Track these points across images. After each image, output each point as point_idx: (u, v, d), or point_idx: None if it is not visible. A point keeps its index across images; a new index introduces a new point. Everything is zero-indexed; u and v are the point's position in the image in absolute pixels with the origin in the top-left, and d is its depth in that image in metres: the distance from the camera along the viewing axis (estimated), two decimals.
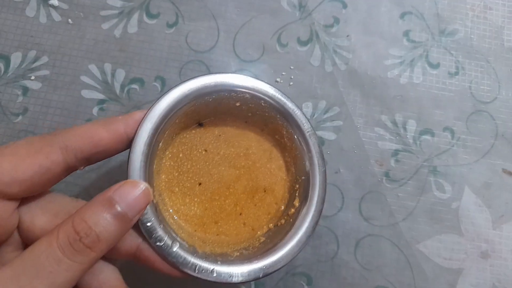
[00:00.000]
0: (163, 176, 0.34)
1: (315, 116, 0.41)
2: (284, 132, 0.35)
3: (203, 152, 0.35)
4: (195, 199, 0.35)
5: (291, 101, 0.34)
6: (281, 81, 0.41)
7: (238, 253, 0.32)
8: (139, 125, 0.30)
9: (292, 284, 0.38)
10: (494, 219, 0.40)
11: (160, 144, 0.32)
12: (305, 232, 0.32)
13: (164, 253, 0.29)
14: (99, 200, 0.24)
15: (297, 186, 0.34)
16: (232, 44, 0.42)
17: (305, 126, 0.34)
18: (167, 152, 0.35)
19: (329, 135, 0.41)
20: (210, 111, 0.35)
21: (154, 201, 0.31)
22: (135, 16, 0.42)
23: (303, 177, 0.34)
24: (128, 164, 0.29)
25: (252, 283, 0.38)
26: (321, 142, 0.40)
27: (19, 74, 0.40)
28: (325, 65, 0.42)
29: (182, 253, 0.29)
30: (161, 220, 0.30)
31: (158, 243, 0.29)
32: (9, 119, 0.39)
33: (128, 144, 0.29)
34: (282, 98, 0.34)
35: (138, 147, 0.30)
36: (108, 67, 0.41)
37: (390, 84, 0.42)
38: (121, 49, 0.41)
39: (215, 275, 0.29)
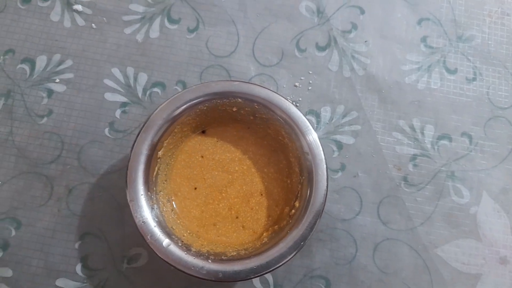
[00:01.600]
0: (171, 182, 0.36)
1: (333, 120, 0.41)
2: (283, 132, 0.35)
3: (200, 158, 0.36)
4: (193, 203, 0.36)
5: (285, 99, 0.34)
6: (300, 86, 0.42)
7: (234, 253, 0.33)
8: (136, 137, 0.32)
9: (310, 287, 0.38)
10: None
11: (160, 152, 0.34)
12: (301, 235, 0.32)
13: (155, 248, 0.31)
14: None
15: (299, 186, 0.35)
16: (252, 49, 0.43)
17: (302, 124, 0.34)
18: (172, 160, 0.36)
19: (347, 139, 0.41)
20: (213, 119, 0.36)
21: (152, 203, 0.32)
22: (157, 21, 0.43)
23: (303, 177, 0.34)
24: (127, 172, 0.32)
25: (272, 284, 0.38)
26: (339, 146, 0.41)
27: (44, 77, 0.41)
28: (343, 70, 0.43)
29: (174, 250, 0.31)
30: (160, 219, 0.32)
31: (150, 238, 0.31)
32: (34, 121, 0.40)
33: None
34: (275, 98, 0.34)
35: (136, 156, 0.32)
36: (130, 71, 0.41)
37: (408, 89, 0.42)
38: (143, 53, 0.42)
39: (204, 272, 0.30)
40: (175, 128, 0.34)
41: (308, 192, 0.33)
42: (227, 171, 0.37)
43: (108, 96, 0.41)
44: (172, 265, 0.31)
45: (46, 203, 0.38)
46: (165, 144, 0.34)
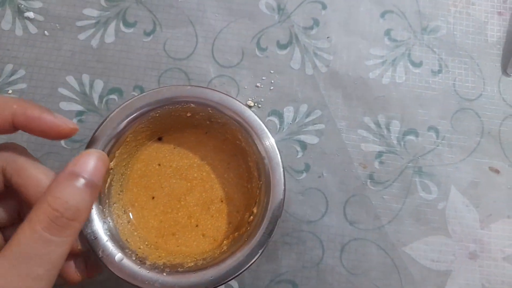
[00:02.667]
0: (127, 193, 0.35)
1: (296, 120, 0.40)
2: (240, 137, 0.34)
3: (157, 166, 0.36)
4: (151, 213, 0.35)
5: (240, 103, 0.33)
6: (262, 86, 0.41)
7: (192, 264, 0.32)
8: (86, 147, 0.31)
9: None
10: (482, 218, 0.39)
11: (112, 163, 0.32)
12: (258, 242, 0.31)
13: (108, 263, 0.29)
14: (64, 176, 0.25)
15: (258, 192, 0.34)
16: (211, 50, 0.42)
17: (257, 127, 0.33)
18: (128, 170, 0.35)
19: (311, 139, 0.40)
20: (168, 125, 0.35)
21: (104, 217, 0.31)
22: (112, 26, 0.41)
23: (261, 182, 0.33)
24: None
25: None
26: (303, 146, 0.40)
27: None
28: (306, 68, 0.41)
29: (127, 264, 0.30)
30: (113, 232, 0.31)
31: (102, 253, 0.29)
32: None
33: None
34: (229, 102, 0.33)
35: None
36: (86, 78, 0.40)
37: (372, 84, 0.41)
38: (99, 59, 0.41)
39: (158, 285, 0.29)
40: (127, 137, 0.33)
41: (266, 197, 0.32)
42: (185, 178, 0.36)
43: (64, 105, 0.40)
44: (125, 280, 0.30)
45: None
46: (117, 154, 0.33)
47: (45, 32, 0.41)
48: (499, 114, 0.41)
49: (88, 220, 0.30)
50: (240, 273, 0.30)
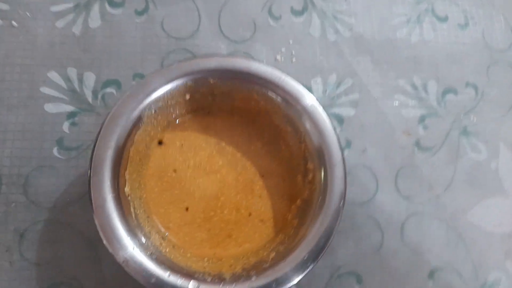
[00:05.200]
0: (154, 218, 0.28)
1: (327, 92, 0.36)
2: (256, 96, 0.28)
3: (174, 174, 0.29)
4: (193, 225, 0.29)
5: (243, 58, 0.29)
6: (282, 59, 0.36)
7: (273, 253, 0.27)
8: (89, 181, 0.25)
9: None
10: None
11: (126, 189, 0.26)
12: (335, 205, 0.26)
13: None
14: None
15: (303, 146, 0.28)
16: (218, 24, 0.36)
17: (272, 76, 0.28)
18: (143, 192, 0.28)
19: (347, 112, 0.35)
20: (166, 121, 0.29)
21: (150, 247, 0.25)
22: (95, 8, 0.35)
23: (303, 134, 0.28)
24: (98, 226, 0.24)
25: None
26: (340, 120, 0.35)
27: None
28: (327, 34, 0.37)
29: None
30: (167, 264, 0.25)
31: None
32: None
33: None
34: (230, 63, 0.28)
35: (102, 200, 0.24)
36: (72, 72, 0.33)
37: (401, 45, 0.38)
38: (85, 49, 0.34)
39: None
40: (130, 151, 0.26)
41: (316, 153, 0.27)
42: (211, 171, 0.30)
43: (50, 107, 0.32)
44: None
45: None
46: (127, 176, 0.26)
47: (13, 22, 0.33)
48: None
49: (137, 262, 0.24)
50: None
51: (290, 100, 0.27)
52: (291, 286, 0.25)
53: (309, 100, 0.27)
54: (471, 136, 0.37)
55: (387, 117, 0.36)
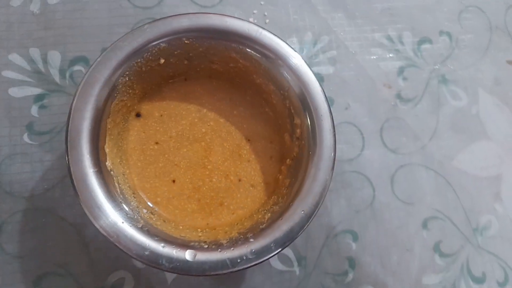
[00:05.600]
0: (140, 193, 0.27)
1: (304, 51, 0.35)
2: (234, 54, 0.27)
3: (155, 146, 0.28)
4: (182, 197, 0.28)
5: (214, 14, 0.27)
6: (255, 21, 0.35)
7: (268, 214, 0.26)
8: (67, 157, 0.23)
9: (338, 247, 0.32)
10: None
11: (108, 163, 0.25)
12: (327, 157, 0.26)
13: (178, 270, 0.23)
14: None
15: (287, 102, 0.28)
16: None
17: (247, 31, 0.27)
18: (125, 167, 0.27)
19: (326, 69, 0.35)
20: (141, 90, 0.28)
21: (141, 221, 0.24)
22: None
23: (286, 89, 0.27)
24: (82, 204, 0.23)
25: (294, 261, 0.31)
26: (320, 78, 0.34)
27: None
28: None
29: (203, 256, 0.23)
30: (160, 236, 0.24)
31: (166, 263, 0.23)
32: None
33: None
34: (202, 19, 0.26)
35: (82, 173, 0.23)
36: (35, 52, 0.31)
37: None
38: (47, 26, 0.31)
39: (252, 256, 0.23)
40: (108, 123, 0.25)
41: (302, 106, 0.27)
42: (195, 140, 0.28)
43: (15, 91, 0.30)
44: (212, 275, 0.23)
45: None
46: (107, 151, 0.25)
47: None
48: (501, 6, 0.39)
49: (127, 237, 0.22)
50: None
51: (269, 54, 0.26)
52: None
53: (289, 52, 0.27)
54: (450, 83, 0.37)
55: (367, 71, 0.35)
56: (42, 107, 0.30)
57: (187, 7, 0.34)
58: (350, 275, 0.32)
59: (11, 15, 0.31)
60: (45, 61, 0.31)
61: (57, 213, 0.29)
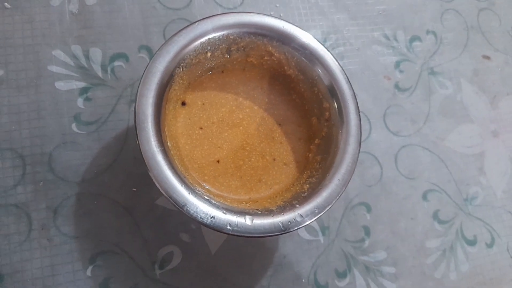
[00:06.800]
0: (191, 173, 0.30)
1: None
2: (270, 48, 0.31)
3: (200, 131, 0.32)
4: (227, 175, 0.31)
5: (256, 13, 0.31)
6: None
7: (305, 188, 0.30)
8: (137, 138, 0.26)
9: (355, 218, 0.36)
10: (490, 100, 0.44)
11: (169, 143, 0.28)
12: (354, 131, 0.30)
13: (240, 231, 0.26)
14: None
15: (316, 90, 0.32)
16: None
17: (283, 29, 0.31)
18: (176, 150, 0.30)
19: None
20: (187, 82, 0.31)
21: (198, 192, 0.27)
22: None
23: (316, 78, 0.31)
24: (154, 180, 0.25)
25: (319, 231, 0.35)
26: None
27: None
28: None
29: (260, 221, 0.26)
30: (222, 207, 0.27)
31: (231, 227, 0.26)
32: None
33: None
34: (246, 18, 0.30)
35: (152, 154, 0.26)
36: (77, 49, 0.33)
37: (371, 1, 0.42)
38: (86, 25, 0.34)
39: (299, 220, 0.27)
40: (165, 109, 0.28)
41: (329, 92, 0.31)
42: (234, 125, 0.32)
43: (61, 85, 0.32)
44: (269, 235, 0.26)
45: (28, 238, 0.29)
46: (167, 133, 0.28)
47: (6, 4, 0.33)
48: (474, 9, 0.46)
49: (195, 206, 0.25)
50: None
51: (301, 48, 0.31)
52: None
53: (317, 45, 0.31)
54: (437, 75, 0.42)
55: (370, 65, 0.40)
56: (87, 99, 0.32)
57: (212, 9, 0.37)
58: (366, 242, 0.36)
59: (51, 14, 0.33)
60: (87, 57, 0.33)
61: (108, 196, 0.31)
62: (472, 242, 0.39)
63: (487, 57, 0.45)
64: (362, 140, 0.38)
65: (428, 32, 0.43)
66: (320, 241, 0.35)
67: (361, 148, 0.38)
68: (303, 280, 0.34)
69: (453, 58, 0.44)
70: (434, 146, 0.40)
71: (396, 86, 0.41)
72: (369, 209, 0.37)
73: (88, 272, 0.30)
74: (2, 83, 0.31)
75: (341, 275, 0.35)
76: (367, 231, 0.36)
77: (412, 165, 0.39)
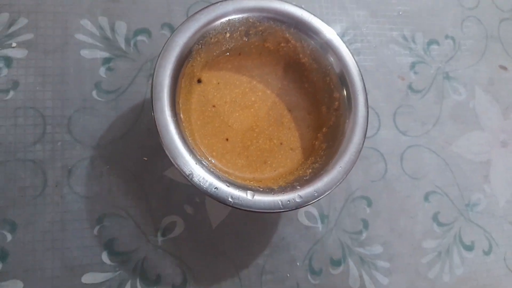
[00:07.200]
0: (200, 146, 0.32)
1: None
2: (288, 35, 0.32)
3: (213, 109, 0.33)
4: (234, 153, 0.32)
5: (280, 1, 0.32)
6: None
7: (307, 172, 0.31)
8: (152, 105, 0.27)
9: (355, 210, 0.37)
10: (503, 111, 0.44)
11: (182, 114, 0.29)
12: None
13: (243, 206, 0.27)
14: None
15: (328, 79, 0.33)
16: None
17: (304, 19, 0.32)
18: (188, 123, 0.31)
19: None
20: (205, 60, 0.32)
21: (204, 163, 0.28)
22: None
23: (329, 68, 0.32)
24: (167, 151, 0.27)
25: (318, 219, 0.36)
26: None
27: None
28: None
29: (260, 198, 0.27)
30: (224, 180, 0.28)
31: (232, 199, 0.27)
32: None
33: None
34: (266, 3, 0.31)
35: (165, 123, 0.27)
36: (104, 21, 0.35)
37: (392, 0, 0.43)
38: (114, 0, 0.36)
39: (298, 200, 0.28)
40: (182, 82, 0.29)
41: (341, 84, 0.32)
42: (246, 106, 0.33)
43: (86, 53, 0.34)
44: (268, 212, 0.27)
45: (42, 193, 0.31)
46: (181, 106, 0.29)
47: None
48: (496, 18, 0.46)
49: (199, 176, 0.27)
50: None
51: (317, 37, 0.32)
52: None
53: (333, 36, 0.32)
54: (452, 80, 0.43)
55: (385, 63, 0.41)
56: (109, 69, 0.34)
57: None
58: (364, 234, 0.37)
59: None
60: (112, 29, 0.35)
61: (120, 162, 0.33)
62: (469, 248, 0.39)
63: (504, 68, 0.45)
64: (369, 135, 0.39)
65: (447, 36, 0.44)
66: (319, 229, 0.36)
67: (368, 144, 0.39)
68: (298, 264, 0.35)
69: (470, 65, 0.44)
70: (441, 149, 0.41)
71: (410, 87, 0.41)
72: (370, 203, 0.38)
73: (95, 231, 0.31)
74: (31, 46, 0.33)
75: (336, 263, 0.36)
76: (365, 224, 0.37)
77: (417, 166, 0.40)
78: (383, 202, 0.38)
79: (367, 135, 0.39)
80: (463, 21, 0.45)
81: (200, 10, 0.29)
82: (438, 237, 0.39)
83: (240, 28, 0.31)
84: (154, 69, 0.27)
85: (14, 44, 0.32)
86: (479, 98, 0.43)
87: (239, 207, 0.27)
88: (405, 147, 0.40)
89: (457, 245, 0.39)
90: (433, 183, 0.40)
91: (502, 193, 0.42)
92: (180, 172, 0.26)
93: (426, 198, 0.39)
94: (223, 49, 0.32)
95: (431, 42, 0.43)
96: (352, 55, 0.32)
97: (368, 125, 0.39)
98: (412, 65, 0.42)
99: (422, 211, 0.39)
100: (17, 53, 0.32)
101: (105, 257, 0.31)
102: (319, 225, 0.36)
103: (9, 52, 0.32)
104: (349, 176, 0.38)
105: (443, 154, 0.41)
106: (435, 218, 0.39)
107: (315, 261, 0.35)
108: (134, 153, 0.33)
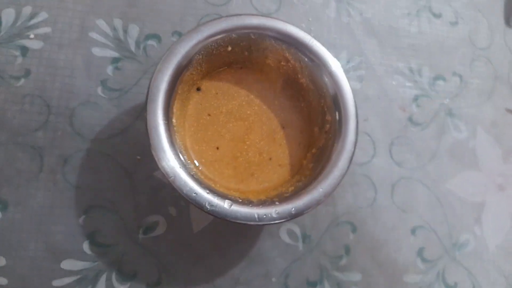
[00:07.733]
0: (190, 152, 0.33)
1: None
2: (287, 54, 0.33)
3: (208, 117, 0.34)
4: (222, 163, 0.33)
5: (281, 21, 0.32)
6: None
7: (290, 189, 0.31)
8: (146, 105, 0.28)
9: (338, 234, 0.37)
10: (504, 154, 0.43)
11: (174, 119, 0.30)
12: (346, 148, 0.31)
13: (219, 213, 0.28)
14: None
15: (323, 102, 0.33)
16: None
17: (303, 39, 0.33)
18: (181, 128, 0.33)
19: (354, 85, 0.41)
20: (206, 70, 0.33)
21: (190, 168, 0.29)
22: None
23: (324, 91, 0.33)
24: (152, 151, 0.28)
25: (300, 238, 0.36)
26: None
27: (15, 33, 0.34)
28: (341, 16, 0.42)
29: (238, 208, 0.28)
30: (209, 188, 0.29)
31: (209, 206, 0.28)
32: (9, 83, 0.33)
33: None
34: (270, 23, 0.32)
35: (155, 124, 0.28)
36: (118, 23, 0.37)
37: (402, 33, 0.43)
38: (131, 4, 0.37)
39: (275, 216, 0.28)
40: (178, 89, 0.31)
41: (334, 107, 0.32)
42: (240, 118, 0.34)
43: (97, 51, 0.36)
44: (243, 223, 0.28)
45: (36, 177, 0.33)
46: (174, 111, 0.31)
47: None
48: (507, 60, 0.46)
49: (182, 180, 0.28)
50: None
51: (315, 59, 0.32)
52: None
53: (332, 62, 0.33)
54: (454, 117, 0.43)
55: (387, 93, 0.41)
56: (116, 68, 0.36)
57: (247, 10, 0.40)
58: (344, 260, 0.37)
59: None
60: (125, 31, 0.37)
61: (114, 157, 0.34)
62: None
63: (511, 111, 0.45)
64: (363, 162, 0.39)
65: (454, 74, 0.44)
66: (299, 248, 0.36)
67: (360, 171, 0.39)
68: (273, 280, 0.35)
69: (475, 104, 0.44)
70: (434, 185, 0.41)
71: (410, 119, 0.41)
72: (354, 229, 0.38)
73: (80, 221, 0.33)
74: (47, 39, 0.35)
75: (312, 284, 0.36)
76: (347, 249, 0.37)
77: (407, 198, 0.40)
78: (368, 230, 0.38)
79: (360, 162, 0.39)
80: (473, 60, 0.45)
81: (205, 23, 0.31)
82: (421, 273, 0.38)
83: (241, 44, 0.32)
84: (153, 72, 0.29)
85: (32, 36, 0.35)
86: (480, 139, 0.43)
87: (215, 214, 0.28)
88: (397, 178, 0.40)
89: (439, 283, 0.39)
90: (421, 218, 0.40)
91: (493, 237, 0.41)
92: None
93: (413, 231, 0.39)
94: (225, 61, 0.34)
95: (437, 77, 0.43)
96: (348, 81, 0.33)
97: (363, 152, 0.40)
98: (415, 98, 0.42)
99: (407, 244, 0.39)
100: (33, 44, 0.34)
101: (86, 247, 0.32)
102: (300, 244, 0.36)
103: (26, 42, 0.34)
104: (337, 200, 0.38)
105: (435, 190, 0.41)
106: (419, 253, 0.39)
107: (291, 279, 0.35)
108: (129, 150, 0.34)
